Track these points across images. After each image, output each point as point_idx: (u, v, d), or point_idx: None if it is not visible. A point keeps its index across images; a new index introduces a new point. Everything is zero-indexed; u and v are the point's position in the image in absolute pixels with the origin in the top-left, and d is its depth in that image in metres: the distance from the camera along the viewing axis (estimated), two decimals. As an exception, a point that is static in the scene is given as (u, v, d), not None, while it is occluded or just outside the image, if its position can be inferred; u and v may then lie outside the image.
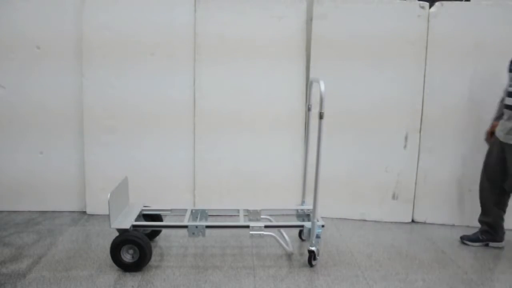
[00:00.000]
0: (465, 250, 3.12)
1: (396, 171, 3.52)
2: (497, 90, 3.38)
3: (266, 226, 2.75)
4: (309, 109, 2.98)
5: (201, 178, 3.58)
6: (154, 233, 3.08)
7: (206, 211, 3.01)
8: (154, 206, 3.07)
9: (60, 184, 3.58)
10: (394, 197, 3.55)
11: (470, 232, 3.41)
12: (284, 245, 2.89)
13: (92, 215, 3.55)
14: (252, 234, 2.73)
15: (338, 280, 2.66)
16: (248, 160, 3.56)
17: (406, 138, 3.48)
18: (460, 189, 3.51)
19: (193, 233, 2.73)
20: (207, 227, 2.75)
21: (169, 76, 3.46)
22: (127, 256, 2.65)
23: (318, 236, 2.70)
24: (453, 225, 3.54)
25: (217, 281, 2.59)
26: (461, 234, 3.39)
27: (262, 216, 3.00)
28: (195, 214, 2.98)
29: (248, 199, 3.45)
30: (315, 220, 2.69)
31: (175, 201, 3.57)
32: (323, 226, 2.76)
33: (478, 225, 3.51)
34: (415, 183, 3.54)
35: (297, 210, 3.08)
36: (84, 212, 3.58)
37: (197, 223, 2.79)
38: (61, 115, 3.51)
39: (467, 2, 3.64)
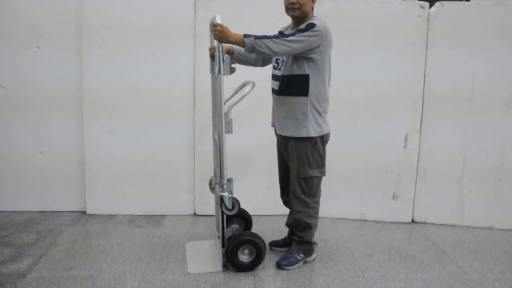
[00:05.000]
0: (465, 250, 3.12)
1: (396, 171, 3.52)
2: (498, 90, 3.39)
3: None
4: None
5: (201, 178, 3.57)
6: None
7: None
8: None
9: (60, 184, 3.58)
10: (394, 197, 3.55)
11: (470, 232, 3.42)
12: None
13: (92, 215, 3.55)
14: None
15: (338, 280, 2.66)
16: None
17: (406, 138, 3.48)
18: (460, 189, 3.51)
19: None
20: None
21: (169, 77, 3.45)
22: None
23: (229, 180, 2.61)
24: (453, 225, 3.54)
25: (217, 281, 2.59)
26: (461, 234, 3.39)
27: None
28: None
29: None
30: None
31: (175, 201, 3.58)
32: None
33: (478, 225, 3.52)
34: (415, 183, 3.54)
35: None
36: (84, 212, 3.58)
37: None
38: (61, 115, 3.51)
39: (467, 2, 3.64)
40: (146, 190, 3.55)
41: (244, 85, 2.70)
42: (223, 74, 2.52)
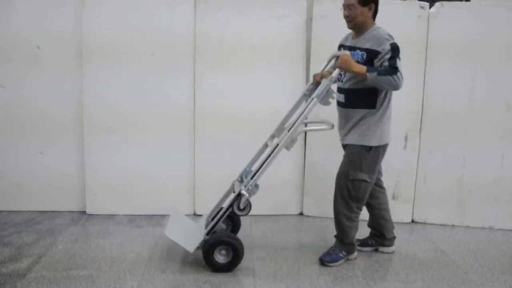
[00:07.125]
0: (465, 250, 3.12)
1: (396, 171, 3.52)
2: (497, 90, 3.38)
3: None
4: None
5: (201, 178, 3.57)
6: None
7: None
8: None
9: (60, 184, 3.57)
10: (394, 197, 3.55)
11: (470, 232, 3.41)
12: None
13: (92, 215, 3.54)
14: None
15: (338, 280, 2.66)
16: (248, 161, 3.55)
17: (406, 138, 3.48)
18: (460, 189, 3.51)
19: None
20: None
21: (169, 77, 3.46)
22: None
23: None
24: (453, 225, 3.54)
25: (217, 281, 2.59)
26: (461, 234, 3.39)
27: None
28: None
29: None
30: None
31: (175, 201, 3.58)
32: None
33: (478, 225, 3.52)
34: (415, 183, 3.54)
35: None
36: (84, 212, 3.58)
37: None
38: (61, 115, 3.50)
39: (467, 2, 3.64)
40: (146, 190, 3.55)
41: (322, 122, 2.77)
42: (321, 103, 2.60)
